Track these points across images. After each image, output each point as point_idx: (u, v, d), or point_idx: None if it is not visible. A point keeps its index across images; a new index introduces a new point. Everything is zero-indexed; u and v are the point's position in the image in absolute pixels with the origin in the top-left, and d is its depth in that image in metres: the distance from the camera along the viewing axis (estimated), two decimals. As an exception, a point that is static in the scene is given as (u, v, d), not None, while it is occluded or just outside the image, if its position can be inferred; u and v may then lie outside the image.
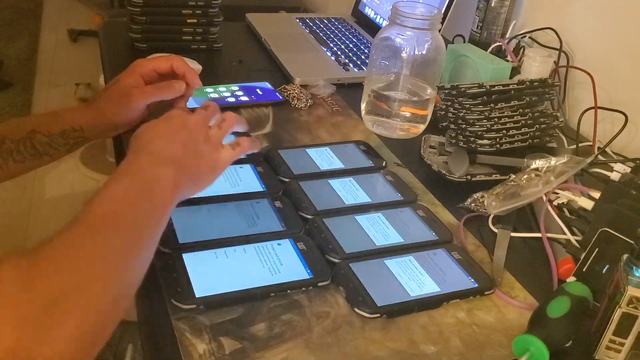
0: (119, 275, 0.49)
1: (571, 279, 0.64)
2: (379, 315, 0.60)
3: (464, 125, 0.84)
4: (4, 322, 0.41)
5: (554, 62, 1.07)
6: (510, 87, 0.85)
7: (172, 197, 0.57)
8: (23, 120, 0.80)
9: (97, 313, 0.45)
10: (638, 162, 0.85)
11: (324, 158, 0.85)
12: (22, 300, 0.42)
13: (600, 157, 0.93)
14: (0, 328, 0.40)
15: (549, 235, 0.73)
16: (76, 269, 0.46)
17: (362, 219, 0.73)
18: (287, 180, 0.79)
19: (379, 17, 1.34)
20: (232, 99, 1.00)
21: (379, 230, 0.71)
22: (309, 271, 0.64)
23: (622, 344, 0.56)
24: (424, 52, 0.91)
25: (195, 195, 0.71)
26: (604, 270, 0.63)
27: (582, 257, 0.65)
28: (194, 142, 0.62)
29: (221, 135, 0.66)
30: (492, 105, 0.83)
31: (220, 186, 0.74)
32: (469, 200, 0.78)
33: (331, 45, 1.26)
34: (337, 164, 0.84)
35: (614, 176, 0.80)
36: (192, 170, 0.61)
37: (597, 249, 0.64)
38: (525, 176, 0.78)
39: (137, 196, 0.55)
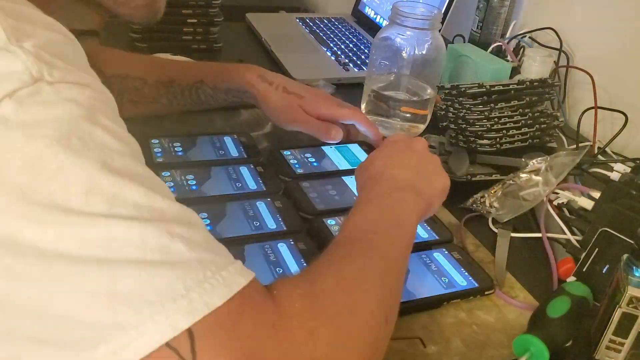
0: (387, 294, 0.47)
1: (571, 279, 0.64)
2: (379, 315, 0.60)
3: (464, 125, 0.84)
4: (298, 336, 0.39)
5: (554, 62, 1.07)
6: (510, 87, 0.85)
7: (415, 220, 0.57)
8: (192, 66, 0.88)
9: (371, 332, 0.44)
10: (638, 162, 0.85)
11: (326, 158, 0.85)
12: (310, 318, 0.40)
13: (600, 157, 0.93)
14: (293, 341, 0.39)
15: (549, 235, 0.73)
16: (348, 290, 0.44)
17: (362, 219, 0.73)
18: (288, 180, 0.79)
19: (379, 17, 1.34)
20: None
21: (379, 230, 0.71)
22: (309, 271, 0.63)
23: (622, 344, 0.56)
24: (424, 52, 0.91)
25: (194, 196, 0.72)
26: (604, 270, 0.63)
27: (582, 257, 0.65)
28: (424, 166, 0.63)
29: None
30: (492, 105, 0.84)
31: (220, 186, 0.74)
32: (469, 200, 0.78)
33: (331, 45, 1.26)
34: (339, 164, 0.84)
35: (614, 176, 0.80)
36: (426, 193, 0.60)
37: (597, 249, 0.64)
38: (525, 176, 0.79)
39: (386, 221, 0.54)
